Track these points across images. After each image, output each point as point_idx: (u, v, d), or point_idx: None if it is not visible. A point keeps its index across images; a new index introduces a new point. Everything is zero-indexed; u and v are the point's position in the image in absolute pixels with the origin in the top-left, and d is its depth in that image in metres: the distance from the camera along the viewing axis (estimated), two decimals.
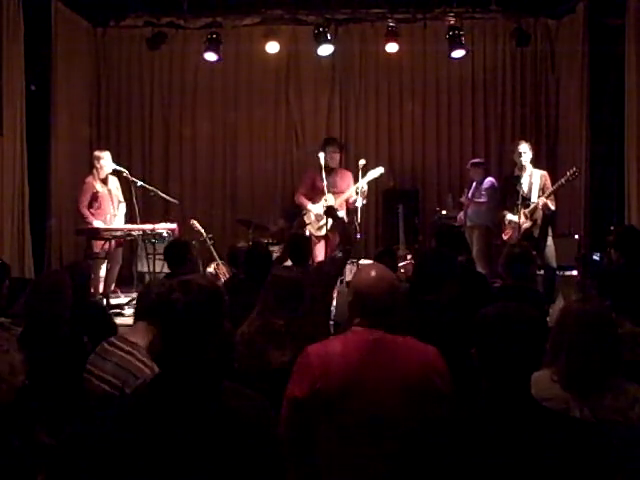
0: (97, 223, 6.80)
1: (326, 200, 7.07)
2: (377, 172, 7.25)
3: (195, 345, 1.82)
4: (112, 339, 2.92)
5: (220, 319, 1.89)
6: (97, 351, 2.90)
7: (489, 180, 7.73)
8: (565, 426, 1.81)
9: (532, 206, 6.45)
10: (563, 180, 6.41)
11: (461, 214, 7.78)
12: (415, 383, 2.29)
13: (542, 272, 6.57)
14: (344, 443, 2.29)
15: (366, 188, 7.21)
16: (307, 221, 7.44)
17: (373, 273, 2.44)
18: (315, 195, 7.32)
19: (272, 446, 1.83)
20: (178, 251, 4.56)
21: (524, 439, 1.73)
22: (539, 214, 6.51)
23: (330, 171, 7.15)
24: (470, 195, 7.65)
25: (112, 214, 6.99)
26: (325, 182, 6.97)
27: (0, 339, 2.15)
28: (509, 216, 6.58)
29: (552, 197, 6.49)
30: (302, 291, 3.28)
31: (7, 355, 2.04)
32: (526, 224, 6.46)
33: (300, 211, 7.63)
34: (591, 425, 2.04)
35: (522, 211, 6.48)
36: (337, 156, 7.32)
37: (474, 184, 7.77)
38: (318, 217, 7.22)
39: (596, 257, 6.83)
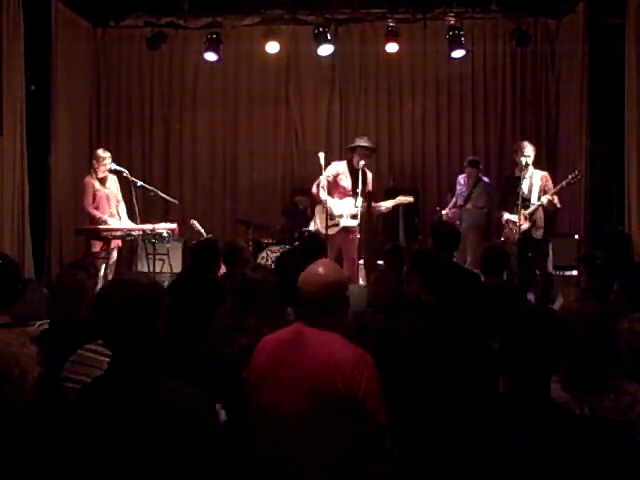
0: (110, 221, 6.79)
1: (356, 204, 6.89)
2: (406, 199, 7.24)
3: (131, 343, 1.85)
4: (90, 345, 2.85)
5: (159, 318, 1.91)
6: (75, 359, 2.83)
7: (487, 181, 7.69)
8: (584, 428, 1.81)
9: (532, 207, 6.44)
10: (564, 183, 6.43)
11: (447, 211, 7.64)
12: (316, 381, 2.30)
13: (538, 273, 6.60)
14: (258, 428, 2.40)
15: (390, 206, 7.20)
16: (317, 216, 7.22)
17: (317, 270, 2.49)
18: (335, 193, 7.11)
19: (209, 442, 1.84)
20: (206, 252, 4.55)
21: (543, 439, 1.73)
22: (539, 215, 6.51)
23: (357, 172, 6.96)
24: (465, 198, 7.52)
25: (110, 214, 6.98)
26: (359, 185, 6.87)
27: (15, 334, 2.18)
28: (507, 215, 6.56)
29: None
30: (273, 292, 3.32)
31: (26, 348, 2.08)
32: (525, 225, 6.46)
33: (299, 210, 7.55)
34: (609, 426, 2.03)
35: (522, 212, 6.47)
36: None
37: (465, 183, 7.60)
38: (333, 216, 7.03)
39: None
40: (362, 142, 7.16)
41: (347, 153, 7.29)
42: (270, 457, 2.34)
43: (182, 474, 1.78)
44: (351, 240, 7.07)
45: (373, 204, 7.13)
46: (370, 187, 7.15)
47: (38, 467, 1.82)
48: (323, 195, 7.02)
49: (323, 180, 7.01)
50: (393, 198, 8.42)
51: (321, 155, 6.97)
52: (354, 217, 6.91)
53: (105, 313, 1.87)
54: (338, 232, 6.97)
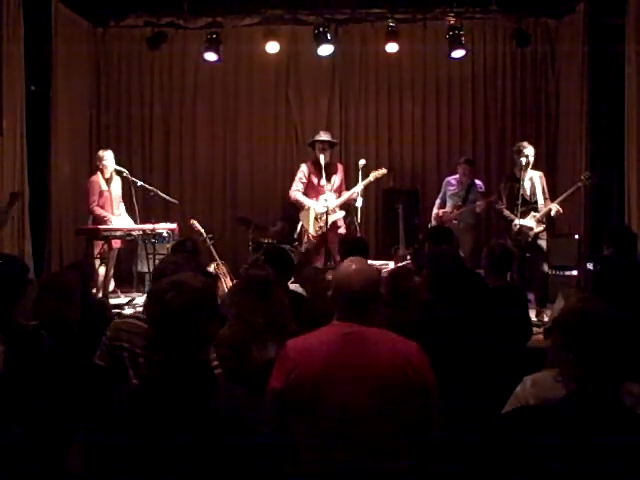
0: (115, 220, 6.79)
1: (326, 200, 7.02)
2: (380, 172, 7.22)
3: (188, 345, 1.83)
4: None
5: (213, 319, 1.90)
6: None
7: (480, 183, 7.65)
8: None
9: (544, 210, 6.43)
10: (580, 184, 6.46)
11: (437, 212, 7.47)
12: (386, 377, 2.30)
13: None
14: (317, 434, 2.32)
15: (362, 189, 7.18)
16: (303, 220, 7.32)
17: (352, 267, 2.47)
18: (311, 193, 7.25)
19: (262, 444, 1.83)
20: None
21: (614, 441, 1.70)
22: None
23: (324, 167, 7.03)
24: (462, 199, 7.39)
25: (114, 214, 6.97)
26: (324, 180, 6.97)
27: None
28: (521, 221, 6.44)
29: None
30: (274, 288, 3.34)
31: None
32: (539, 228, 6.46)
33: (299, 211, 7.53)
34: None
35: (533, 215, 6.44)
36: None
37: (457, 183, 7.45)
38: (318, 216, 7.12)
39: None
40: (318, 137, 7.27)
41: (311, 152, 7.41)
42: (332, 457, 2.29)
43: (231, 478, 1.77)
44: (338, 237, 7.14)
45: (346, 196, 7.15)
46: (339, 181, 7.26)
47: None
48: (303, 199, 7.20)
49: (299, 185, 7.23)
50: (391, 197, 8.48)
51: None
52: (333, 211, 7.06)
53: (161, 315, 1.85)
54: (325, 232, 6.99)
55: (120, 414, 1.84)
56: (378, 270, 2.62)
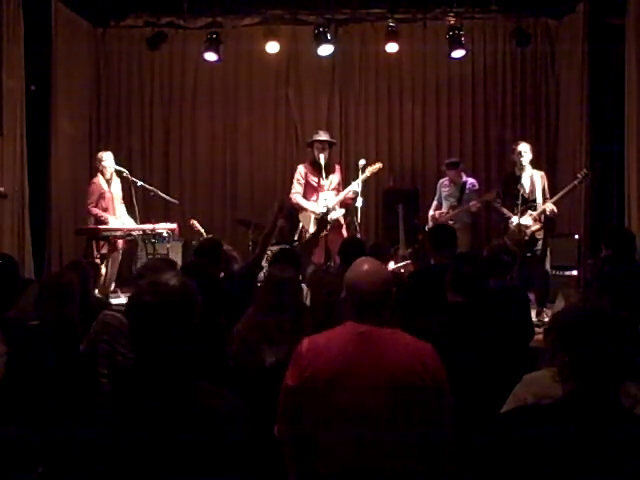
0: (112, 220, 6.80)
1: (326, 200, 7.03)
2: (375, 167, 7.23)
3: (165, 347, 1.81)
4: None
5: (192, 320, 1.88)
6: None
7: (473, 181, 7.62)
8: None
9: (540, 209, 6.42)
10: (576, 182, 6.44)
11: (433, 213, 7.47)
12: (399, 377, 2.30)
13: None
14: (329, 432, 2.33)
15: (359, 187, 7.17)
16: (304, 221, 7.32)
17: (365, 267, 2.47)
18: (310, 193, 7.24)
19: (247, 444, 1.82)
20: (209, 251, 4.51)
21: (611, 445, 1.69)
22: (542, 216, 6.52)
23: (321, 167, 7.02)
24: (457, 199, 7.38)
25: (115, 215, 6.98)
26: (324, 179, 6.97)
27: None
28: (520, 219, 6.45)
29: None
30: (295, 290, 3.34)
31: None
32: (535, 226, 6.45)
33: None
34: None
35: (530, 214, 6.43)
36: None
37: (449, 184, 7.48)
38: (318, 216, 7.12)
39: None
40: (317, 136, 7.25)
41: (309, 152, 7.41)
42: (344, 456, 2.30)
43: (220, 477, 1.76)
44: (339, 237, 7.10)
45: (344, 193, 7.14)
46: (337, 180, 7.24)
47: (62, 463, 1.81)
48: (304, 202, 7.17)
49: (298, 187, 7.21)
50: (391, 197, 8.46)
51: (322, 156, 7.01)
52: (333, 209, 7.06)
53: (137, 317, 1.84)
54: (326, 233, 6.98)
55: (99, 415, 1.83)
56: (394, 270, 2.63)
